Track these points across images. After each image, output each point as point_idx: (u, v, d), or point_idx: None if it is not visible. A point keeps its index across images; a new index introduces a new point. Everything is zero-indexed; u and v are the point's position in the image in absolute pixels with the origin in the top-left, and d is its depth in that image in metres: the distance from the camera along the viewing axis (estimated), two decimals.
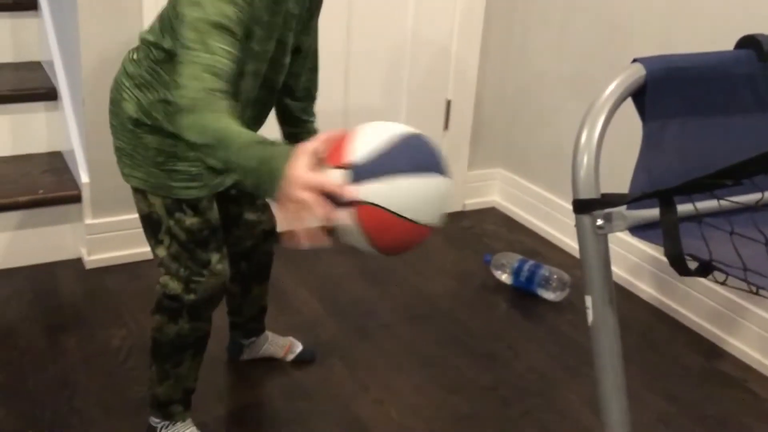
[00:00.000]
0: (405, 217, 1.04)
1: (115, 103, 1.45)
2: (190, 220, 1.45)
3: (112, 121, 1.47)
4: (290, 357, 1.93)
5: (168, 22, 1.35)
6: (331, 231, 1.04)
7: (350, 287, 2.32)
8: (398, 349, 2.03)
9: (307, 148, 1.02)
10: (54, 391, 1.78)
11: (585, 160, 1.04)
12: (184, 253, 1.45)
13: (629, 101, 1.09)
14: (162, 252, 1.47)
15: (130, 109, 1.41)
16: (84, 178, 2.25)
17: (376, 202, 1.02)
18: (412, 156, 1.07)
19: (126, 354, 1.93)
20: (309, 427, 1.72)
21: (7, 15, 2.54)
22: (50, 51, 2.46)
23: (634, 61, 1.08)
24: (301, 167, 1.00)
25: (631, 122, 1.13)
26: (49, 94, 2.42)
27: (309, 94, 1.66)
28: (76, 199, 2.27)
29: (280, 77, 1.46)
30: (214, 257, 1.48)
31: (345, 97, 2.54)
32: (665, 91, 1.09)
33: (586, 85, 2.46)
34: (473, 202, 2.90)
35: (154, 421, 1.59)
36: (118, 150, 1.46)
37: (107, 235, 2.30)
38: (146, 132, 1.41)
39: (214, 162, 1.17)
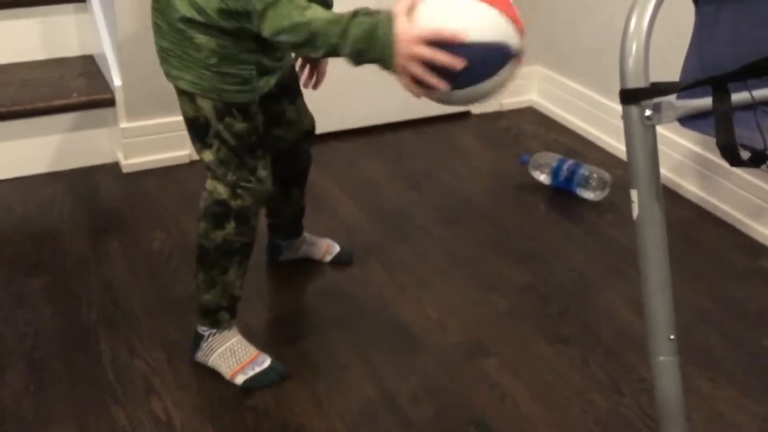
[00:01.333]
0: None
1: (163, 0, 1.37)
2: (240, 125, 1.42)
3: (157, 21, 1.40)
4: (328, 258, 1.94)
5: None
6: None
7: (386, 190, 2.31)
8: (435, 251, 2.03)
9: (403, 6, 1.13)
10: (98, 291, 1.82)
11: (634, 47, 0.98)
12: (233, 158, 1.43)
13: None
14: (209, 156, 1.45)
15: (181, 6, 1.33)
16: (117, 81, 2.23)
17: None
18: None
19: (168, 255, 1.95)
20: (348, 327, 1.75)
21: None
22: None
23: None
24: (407, 26, 1.13)
25: (682, 7, 1.07)
26: None
27: None
28: (110, 102, 2.26)
29: None
30: (260, 164, 1.47)
31: None
32: None
33: None
34: (510, 102, 2.83)
35: (201, 329, 1.59)
36: (164, 51, 1.40)
37: (143, 138, 2.30)
38: (199, 31, 1.34)
39: (315, 53, 1.24)
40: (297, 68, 1.64)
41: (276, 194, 1.77)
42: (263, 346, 1.61)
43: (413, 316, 1.78)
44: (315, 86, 1.65)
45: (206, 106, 1.41)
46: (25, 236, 2.01)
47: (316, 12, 1.21)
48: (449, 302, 1.83)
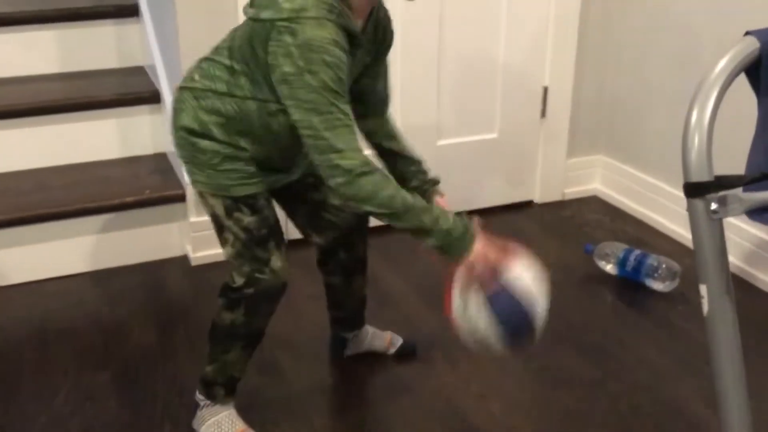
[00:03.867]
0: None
1: (175, 114, 1.52)
2: (248, 219, 1.49)
3: (172, 132, 1.53)
4: (392, 350, 1.92)
5: (242, 55, 1.43)
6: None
7: None
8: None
9: (481, 229, 1.39)
10: (164, 384, 1.83)
11: (696, 140, 0.98)
12: (245, 252, 1.50)
13: (741, 77, 1.02)
14: (228, 250, 1.53)
15: (185, 119, 1.48)
16: (187, 177, 2.31)
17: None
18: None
19: None
20: (411, 422, 1.71)
21: (111, 22, 2.64)
22: (152, 56, 2.54)
23: (747, 33, 1.02)
24: (485, 244, 1.36)
25: (744, 99, 1.06)
26: (152, 98, 2.50)
27: (383, 105, 1.67)
28: (181, 198, 2.34)
29: None
30: (274, 255, 1.51)
31: (438, 84, 2.51)
32: None
33: (691, 63, 2.34)
34: (573, 191, 2.82)
35: (198, 397, 1.66)
36: (182, 158, 1.54)
37: (211, 232, 2.34)
38: (200, 138, 1.47)
39: (400, 225, 1.36)
40: None
41: (339, 284, 1.81)
42: None
43: (477, 413, 1.74)
44: None
45: (216, 203, 1.50)
46: (95, 329, 2.06)
47: (405, 192, 1.35)
48: (514, 398, 1.79)
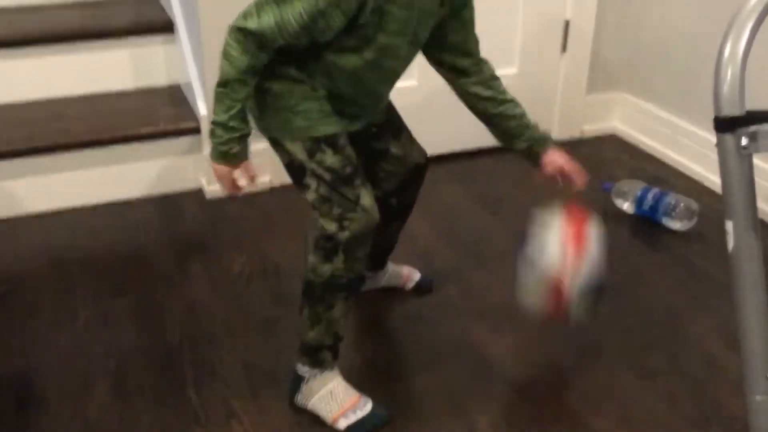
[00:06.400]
0: None
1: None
2: (331, 159, 1.43)
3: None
4: (410, 285, 1.93)
5: None
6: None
7: (465, 215, 2.29)
8: (514, 276, 1.99)
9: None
10: (182, 312, 1.86)
11: (729, 73, 0.95)
12: (333, 193, 1.44)
13: None
14: (311, 195, 1.46)
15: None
16: (202, 110, 2.29)
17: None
18: None
19: (247, 278, 1.98)
20: (425, 353, 1.73)
21: None
22: None
23: None
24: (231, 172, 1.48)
25: None
26: (165, 27, 2.46)
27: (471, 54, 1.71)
28: (196, 130, 2.32)
29: (398, 68, 1.50)
30: (363, 191, 1.46)
31: None
32: None
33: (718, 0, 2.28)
34: (592, 129, 2.79)
35: (302, 369, 1.56)
36: (251, 110, 1.47)
37: None
38: (271, 81, 1.41)
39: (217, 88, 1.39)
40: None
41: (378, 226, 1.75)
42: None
43: (492, 344, 1.75)
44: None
45: (295, 148, 1.44)
46: (112, 259, 2.08)
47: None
48: (528, 332, 1.80)
